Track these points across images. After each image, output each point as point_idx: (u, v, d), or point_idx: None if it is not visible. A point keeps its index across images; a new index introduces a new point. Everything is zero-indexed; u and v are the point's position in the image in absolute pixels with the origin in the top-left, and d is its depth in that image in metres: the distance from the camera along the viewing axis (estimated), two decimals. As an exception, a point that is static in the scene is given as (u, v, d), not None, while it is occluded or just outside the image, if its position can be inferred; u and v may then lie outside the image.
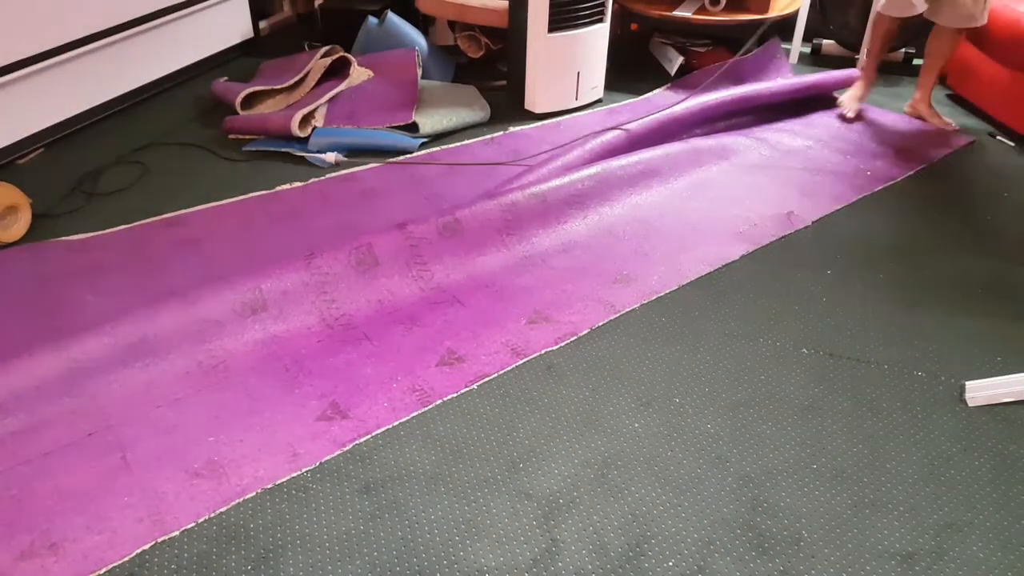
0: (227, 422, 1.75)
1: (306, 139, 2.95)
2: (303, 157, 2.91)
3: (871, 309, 2.13)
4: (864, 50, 3.58)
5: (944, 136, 3.05)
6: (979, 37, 3.14)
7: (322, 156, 2.88)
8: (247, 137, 3.04)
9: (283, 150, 2.93)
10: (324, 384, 1.86)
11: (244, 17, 3.85)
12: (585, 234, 2.43)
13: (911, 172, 2.81)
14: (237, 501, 1.57)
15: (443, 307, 2.12)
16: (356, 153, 2.93)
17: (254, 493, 1.59)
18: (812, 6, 3.69)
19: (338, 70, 3.30)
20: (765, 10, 3.47)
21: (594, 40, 3.23)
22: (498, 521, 1.54)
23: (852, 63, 3.59)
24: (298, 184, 2.72)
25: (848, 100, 3.22)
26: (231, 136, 3.06)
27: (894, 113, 3.25)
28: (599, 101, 3.40)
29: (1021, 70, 2.93)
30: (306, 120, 3.04)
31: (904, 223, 2.52)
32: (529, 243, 2.36)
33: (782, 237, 2.43)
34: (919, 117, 3.17)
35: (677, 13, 3.48)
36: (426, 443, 1.71)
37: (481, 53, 3.52)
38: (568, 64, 3.20)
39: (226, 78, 3.45)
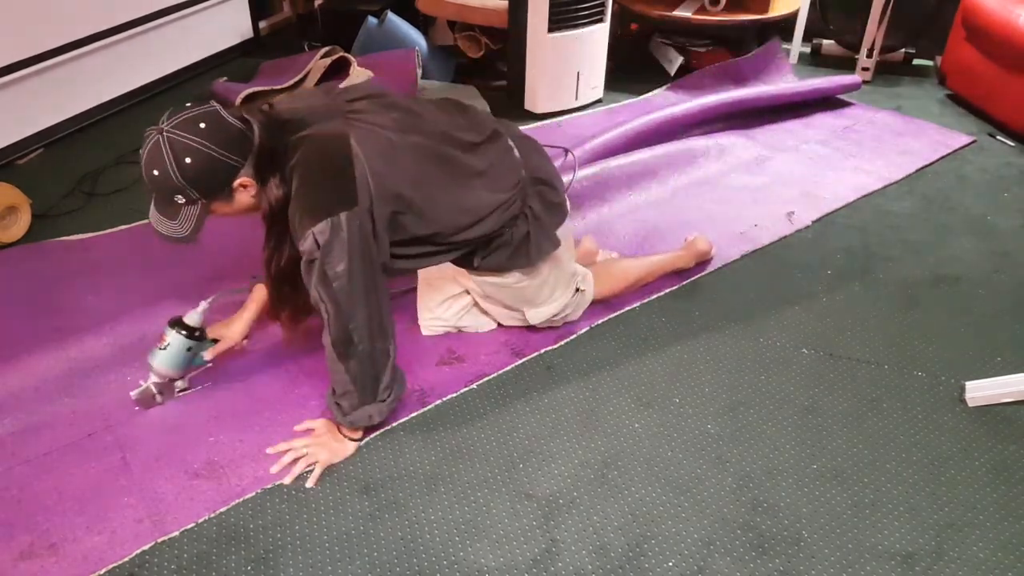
0: (227, 422, 1.75)
1: None
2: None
3: (871, 309, 2.13)
4: None
5: (944, 136, 3.05)
6: (978, 38, 3.14)
7: None
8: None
9: None
10: (324, 384, 1.85)
11: (244, 17, 3.85)
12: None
13: (911, 172, 2.81)
14: (237, 501, 1.57)
15: (443, 307, 2.11)
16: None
17: (254, 493, 1.59)
18: (812, 6, 3.69)
19: (338, 70, 3.29)
20: (765, 10, 3.47)
21: (594, 40, 3.22)
22: (498, 521, 1.54)
23: (852, 63, 3.58)
24: (298, 184, 2.71)
25: None
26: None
27: (893, 113, 3.25)
28: (599, 101, 3.40)
29: (1018, 70, 2.93)
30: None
31: (904, 223, 2.51)
32: (529, 243, 2.35)
33: (782, 237, 2.43)
34: None
35: (677, 13, 3.48)
36: (426, 443, 1.71)
37: (481, 53, 3.52)
38: (568, 64, 3.20)
39: (226, 78, 3.45)
